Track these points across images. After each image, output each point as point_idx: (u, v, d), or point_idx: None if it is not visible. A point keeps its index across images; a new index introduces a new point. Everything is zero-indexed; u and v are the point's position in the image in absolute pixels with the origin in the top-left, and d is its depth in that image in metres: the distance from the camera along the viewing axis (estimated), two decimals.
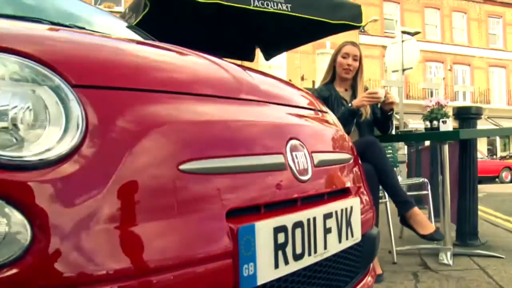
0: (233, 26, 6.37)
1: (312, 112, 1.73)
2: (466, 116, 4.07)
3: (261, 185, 1.19)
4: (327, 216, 1.34)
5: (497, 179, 22.49)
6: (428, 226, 2.95)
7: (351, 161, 1.72)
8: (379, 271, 3.02)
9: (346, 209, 1.45)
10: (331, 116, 1.92)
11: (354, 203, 1.52)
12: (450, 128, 3.74)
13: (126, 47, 1.35)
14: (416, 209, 3.03)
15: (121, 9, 21.24)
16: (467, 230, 4.09)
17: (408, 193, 4.56)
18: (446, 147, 3.56)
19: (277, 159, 1.24)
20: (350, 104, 3.33)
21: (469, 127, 4.02)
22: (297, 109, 1.59)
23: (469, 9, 30.12)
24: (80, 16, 2.37)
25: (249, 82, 1.44)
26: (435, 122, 3.84)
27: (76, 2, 2.62)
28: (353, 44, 3.61)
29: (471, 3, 30.16)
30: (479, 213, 7.79)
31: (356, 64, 3.54)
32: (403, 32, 11.01)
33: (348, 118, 3.31)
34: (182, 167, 1.00)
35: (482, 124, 26.89)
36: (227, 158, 1.12)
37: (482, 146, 28.49)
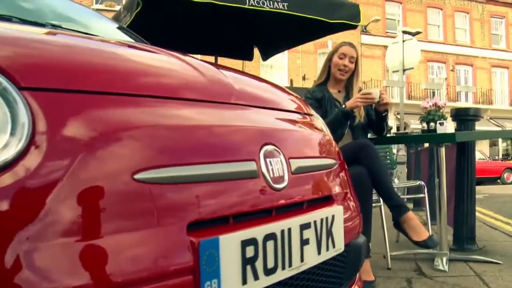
0: (231, 25, 6.31)
1: (295, 115, 1.65)
2: (464, 117, 3.98)
3: (229, 195, 1.11)
4: (305, 226, 1.26)
5: (498, 180, 22.38)
6: (422, 232, 2.87)
7: (336, 166, 1.64)
8: (371, 277, 2.94)
9: (327, 218, 1.37)
10: (318, 120, 1.84)
11: (336, 212, 1.44)
12: (447, 130, 3.66)
13: (85, 47, 1.26)
14: (410, 214, 2.95)
15: None
16: (464, 234, 4.00)
17: (407, 196, 4.51)
18: (442, 150, 3.48)
19: (248, 166, 1.16)
20: (343, 106, 3.25)
21: (467, 129, 3.93)
22: (277, 112, 1.51)
23: (471, 9, 29.98)
24: (61, 15, 2.29)
25: (222, 82, 1.35)
26: (432, 124, 3.76)
27: (66, 3, 2.56)
28: (351, 45, 3.53)
29: (474, 3, 30.03)
30: (479, 215, 7.74)
31: (352, 66, 3.46)
32: (404, 32, 10.91)
33: (341, 119, 3.23)
34: (137, 176, 0.92)
35: (484, 125, 26.93)
36: (189, 166, 1.04)
37: (484, 146, 28.38)
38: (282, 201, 1.24)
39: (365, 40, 26.43)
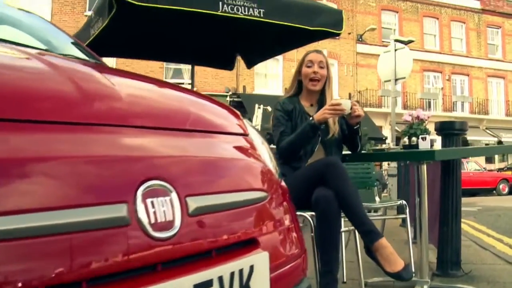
0: (210, 33, 6.03)
1: (214, 136, 1.34)
2: (450, 131, 3.69)
3: (84, 252, 0.81)
4: (203, 285, 0.96)
5: (494, 191, 22.10)
6: (396, 262, 2.56)
7: (267, 200, 1.34)
8: None
9: (241, 270, 1.07)
10: (253, 140, 1.54)
11: (257, 260, 1.14)
12: (435, 146, 3.37)
13: None
14: (383, 241, 2.63)
15: None
16: (448, 258, 3.69)
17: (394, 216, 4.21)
18: (423, 168, 3.18)
19: (114, 211, 0.86)
20: (311, 118, 2.96)
21: (452, 144, 3.64)
22: (178, 133, 1.19)
23: (467, 19, 29.80)
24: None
25: (98, 95, 1.05)
26: (414, 139, 3.47)
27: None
28: (317, 51, 3.25)
29: (470, 13, 29.86)
30: (471, 231, 7.44)
31: (324, 71, 3.16)
32: (396, 41, 10.66)
33: (309, 133, 2.94)
34: None
35: (480, 135, 26.70)
36: (23, 215, 0.75)
37: (480, 157, 28.13)
38: (168, 254, 0.94)
39: (361, 49, 26.21)
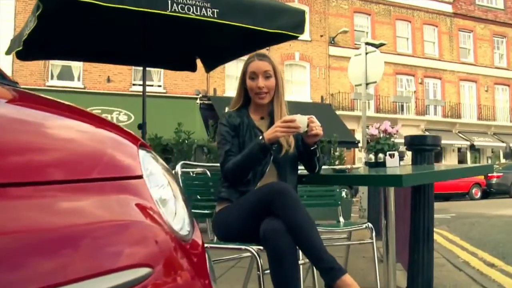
0: (167, 34, 5.60)
1: (75, 186, 0.90)
2: (421, 147, 3.31)
3: None
4: None
5: (467, 196, 22.03)
6: None
7: (149, 278, 0.90)
8: None
9: None
10: (148, 184, 1.10)
11: None
12: (398, 164, 2.98)
13: None
14: (346, 277, 2.20)
15: None
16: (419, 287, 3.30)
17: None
18: (391, 191, 2.78)
19: None
20: (260, 137, 2.51)
21: (424, 160, 3.26)
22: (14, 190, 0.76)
23: (440, 23, 29.78)
24: None
25: None
26: (380, 155, 3.07)
27: None
28: (260, 57, 2.75)
29: (442, 17, 29.84)
30: (444, 243, 7.11)
31: (271, 82, 2.71)
32: (368, 44, 10.32)
33: (258, 155, 2.51)
34: None
35: (452, 139, 26.70)
36: None
37: (453, 160, 28.12)
38: None
39: (333, 51, 25.94)
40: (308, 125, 2.52)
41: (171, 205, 1.22)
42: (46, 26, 4.74)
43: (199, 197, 2.96)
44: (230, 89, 23.72)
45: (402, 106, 27.61)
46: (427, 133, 27.08)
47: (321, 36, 25.80)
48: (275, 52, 24.44)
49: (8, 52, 5.16)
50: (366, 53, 9.98)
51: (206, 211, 2.86)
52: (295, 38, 4.81)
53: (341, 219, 3.66)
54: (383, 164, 3.00)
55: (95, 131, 1.22)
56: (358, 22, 27.48)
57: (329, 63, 25.88)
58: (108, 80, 21.92)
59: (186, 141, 8.40)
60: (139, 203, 1.04)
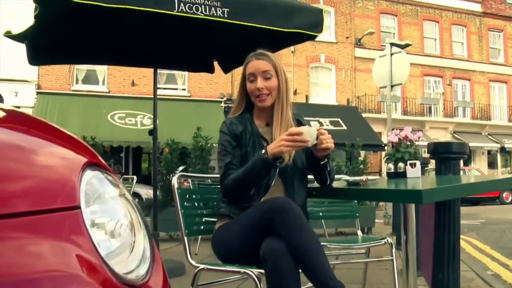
0: (182, 36, 5.41)
1: None
2: (445, 155, 3.01)
3: None
4: None
5: (497, 200, 21.40)
6: None
7: None
8: None
9: None
10: (86, 216, 0.87)
11: None
12: (419, 174, 2.70)
13: None
14: None
15: None
16: None
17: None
18: (411, 207, 2.51)
19: None
20: (263, 151, 2.24)
21: (449, 170, 2.96)
22: None
23: (469, 23, 29.09)
24: None
25: None
26: (400, 165, 2.79)
27: None
28: (258, 55, 2.47)
29: (471, 17, 29.14)
30: (473, 252, 6.75)
31: (271, 83, 2.44)
32: (392, 45, 9.97)
33: (261, 171, 2.25)
34: None
35: (482, 141, 26.02)
36: None
37: (482, 164, 27.42)
38: None
39: (359, 53, 25.50)
40: (317, 138, 2.26)
41: (124, 239, 0.98)
42: (54, 30, 4.64)
43: (199, 212, 2.71)
44: None
45: (430, 108, 27.01)
46: (456, 136, 26.49)
47: (347, 37, 25.42)
48: (300, 54, 24.21)
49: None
50: (391, 54, 9.64)
51: (206, 227, 2.61)
52: (314, 37, 4.54)
53: (359, 233, 3.39)
54: (403, 175, 2.73)
55: (29, 147, 0.98)
56: (385, 23, 27.00)
57: (355, 65, 25.46)
58: (133, 84, 21.91)
59: (204, 146, 8.18)
60: (65, 244, 0.80)
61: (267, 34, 4.42)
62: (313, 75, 24.97)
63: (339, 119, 22.84)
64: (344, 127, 22.25)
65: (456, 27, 28.91)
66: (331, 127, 22.10)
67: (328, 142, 2.28)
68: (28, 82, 20.60)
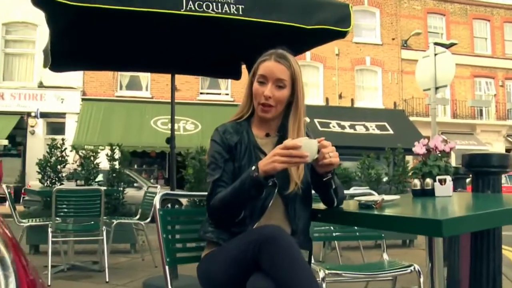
0: (203, 39, 5.11)
1: None
2: (483, 169, 2.56)
3: None
4: None
5: None
6: None
7: None
8: None
9: None
10: None
11: None
12: (450, 192, 2.27)
13: None
14: None
15: None
16: None
17: None
18: (439, 241, 2.09)
19: None
20: (253, 168, 1.87)
21: (487, 187, 2.52)
22: None
23: None
24: None
25: None
26: (428, 181, 2.37)
27: None
28: (279, 58, 2.08)
29: None
30: None
31: (282, 94, 2.06)
32: (436, 44, 9.41)
33: (251, 192, 1.87)
34: None
35: None
36: None
37: None
38: None
39: (406, 55, 24.65)
40: (319, 151, 1.88)
41: None
42: (71, 37, 4.50)
43: (185, 237, 2.35)
44: None
45: (481, 110, 25.89)
46: (509, 139, 25.31)
47: (393, 39, 24.66)
48: (345, 57, 23.66)
49: (44, 65, 4.89)
50: (435, 55, 9.09)
51: (193, 255, 2.25)
52: (343, 35, 4.09)
53: (385, 256, 2.97)
54: (431, 193, 2.31)
55: None
56: (432, 23, 26.06)
57: (401, 67, 24.65)
58: (176, 89, 21.85)
59: None
60: None
61: (287, 33, 4.08)
62: (359, 78, 24.36)
63: (385, 123, 22.17)
64: (391, 132, 21.56)
65: (509, 25, 27.59)
66: (377, 132, 21.50)
67: (332, 156, 1.90)
68: (74, 88, 20.85)
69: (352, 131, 21.48)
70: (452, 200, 2.14)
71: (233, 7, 3.62)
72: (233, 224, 1.97)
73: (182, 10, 3.47)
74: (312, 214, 2.11)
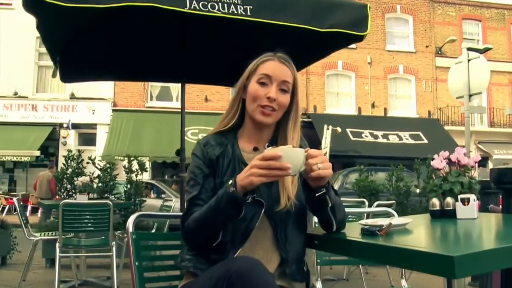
0: (214, 46, 4.88)
1: None
2: None
3: None
4: None
5: None
6: None
7: None
8: None
9: None
10: None
11: None
12: (475, 214, 1.94)
13: None
14: None
15: None
16: None
17: None
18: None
19: None
20: (230, 182, 1.59)
21: None
22: None
23: None
24: None
25: None
26: (449, 200, 2.04)
27: None
28: (283, 60, 1.83)
29: None
30: None
31: (285, 99, 1.81)
32: (470, 50, 8.97)
33: (227, 210, 1.59)
34: None
35: None
36: None
37: None
38: None
39: (440, 62, 23.97)
40: (306, 162, 1.58)
41: None
42: (77, 46, 4.45)
43: (163, 264, 2.05)
44: (331, 106, 22.76)
45: None
46: None
47: (427, 46, 24.04)
48: (377, 65, 23.22)
49: (53, 75, 4.75)
50: (468, 60, 8.64)
51: (172, 284, 1.95)
52: (359, 39, 3.76)
53: (404, 283, 2.62)
54: (452, 214, 1.98)
55: None
56: (468, 29, 25.32)
57: (436, 75, 23.99)
58: (206, 100, 21.79)
59: None
60: None
61: (308, 38, 3.82)
62: (392, 87, 23.81)
63: (419, 133, 21.58)
64: (425, 141, 20.96)
65: None
66: (411, 141, 20.93)
67: (321, 168, 1.58)
68: (105, 99, 20.97)
69: (385, 140, 20.97)
70: (476, 225, 1.80)
71: (240, 8, 3.34)
72: (211, 250, 1.68)
73: (186, 9, 3.22)
74: (309, 239, 1.80)
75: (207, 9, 3.29)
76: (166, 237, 2.43)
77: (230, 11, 3.33)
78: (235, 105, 1.90)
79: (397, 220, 1.76)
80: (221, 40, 4.71)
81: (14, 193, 20.13)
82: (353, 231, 1.74)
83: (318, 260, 2.65)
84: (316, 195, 1.64)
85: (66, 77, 4.94)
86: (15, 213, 18.00)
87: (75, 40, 4.32)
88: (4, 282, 5.76)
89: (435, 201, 2.06)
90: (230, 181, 1.57)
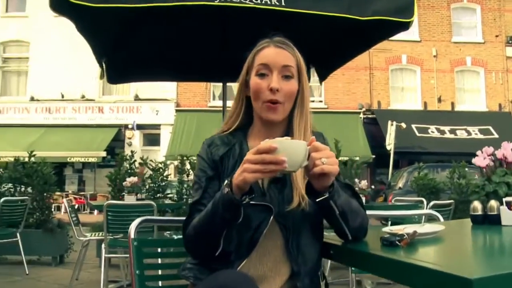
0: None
1: None
2: None
3: None
4: None
5: None
6: None
7: None
8: None
9: None
10: None
11: None
12: None
13: None
14: None
15: None
16: None
17: None
18: None
19: None
20: (226, 182, 1.41)
21: None
22: None
23: None
24: None
25: None
26: (493, 204, 1.78)
27: None
28: (279, 44, 1.66)
29: None
30: None
31: (292, 85, 1.62)
32: None
33: (224, 214, 1.42)
34: None
35: None
36: None
37: None
38: None
39: (511, 52, 22.88)
40: (309, 157, 1.37)
41: None
42: (120, 48, 4.47)
43: (167, 273, 1.90)
44: (395, 102, 22.16)
45: None
46: None
47: (496, 36, 22.92)
48: (443, 58, 22.42)
49: (101, 77, 4.80)
50: None
51: None
52: (405, 26, 3.45)
53: None
54: (496, 219, 1.73)
55: None
56: None
57: (507, 66, 22.84)
58: None
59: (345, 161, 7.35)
60: None
61: (352, 29, 3.62)
62: (459, 80, 22.86)
63: (489, 127, 20.63)
64: (496, 136, 20.00)
65: None
66: (481, 136, 20.04)
67: (326, 163, 1.37)
68: (168, 100, 21.28)
69: (452, 136, 20.20)
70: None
71: None
72: (214, 259, 1.51)
73: (216, 2, 3.08)
74: (324, 248, 1.59)
75: (238, 1, 3.14)
76: (171, 243, 2.28)
77: (263, 2, 3.16)
78: (238, 105, 1.74)
79: (426, 227, 1.54)
80: (261, 37, 4.56)
81: (83, 193, 20.81)
82: (374, 241, 1.52)
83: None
84: (317, 200, 1.44)
85: (112, 79, 4.97)
86: (84, 212, 18.62)
87: (117, 42, 4.32)
88: (58, 280, 5.86)
89: (477, 204, 1.80)
90: (226, 181, 1.41)
